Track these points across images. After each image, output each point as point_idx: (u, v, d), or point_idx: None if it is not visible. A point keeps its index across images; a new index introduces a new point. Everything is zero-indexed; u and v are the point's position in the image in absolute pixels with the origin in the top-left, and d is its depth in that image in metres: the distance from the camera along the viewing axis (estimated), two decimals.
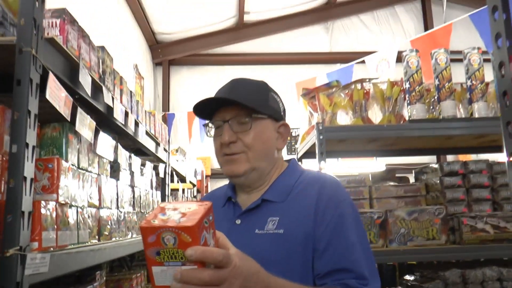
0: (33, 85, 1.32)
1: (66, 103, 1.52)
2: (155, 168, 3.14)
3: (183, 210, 0.85)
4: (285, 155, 7.01)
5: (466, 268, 2.16)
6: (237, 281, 0.90)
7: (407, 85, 2.17)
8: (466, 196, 2.20)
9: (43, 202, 1.36)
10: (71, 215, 1.59)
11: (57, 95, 1.46)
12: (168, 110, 7.11)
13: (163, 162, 3.32)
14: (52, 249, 1.40)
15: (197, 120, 6.44)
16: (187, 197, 4.61)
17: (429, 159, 6.46)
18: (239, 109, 1.30)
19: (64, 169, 1.53)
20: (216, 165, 7.05)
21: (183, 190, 4.41)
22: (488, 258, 2.24)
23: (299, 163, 1.48)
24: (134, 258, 3.36)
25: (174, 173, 3.92)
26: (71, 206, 1.60)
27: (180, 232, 0.80)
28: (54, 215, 1.43)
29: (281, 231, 1.27)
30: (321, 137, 2.08)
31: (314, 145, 2.14)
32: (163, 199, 3.34)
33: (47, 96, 1.39)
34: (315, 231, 1.25)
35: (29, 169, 1.28)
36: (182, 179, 4.48)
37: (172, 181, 3.76)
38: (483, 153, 2.66)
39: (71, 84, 1.61)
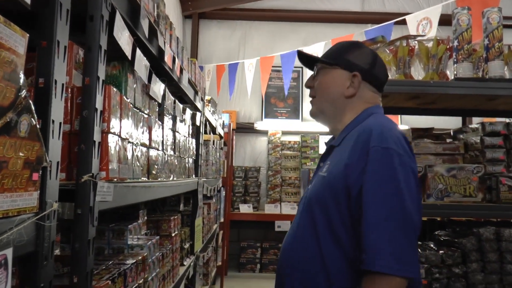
0: (104, 22, 1.37)
1: (129, 42, 1.57)
2: (193, 117, 3.20)
3: None
4: None
5: (500, 226, 2.21)
6: None
7: (456, 43, 2.16)
8: (506, 157, 2.23)
9: (110, 135, 1.43)
10: (129, 151, 1.67)
11: (121, 33, 1.51)
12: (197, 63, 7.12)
13: (199, 111, 3.38)
14: (115, 180, 1.48)
15: (226, 74, 6.46)
16: (216, 148, 4.69)
17: (454, 125, 6.41)
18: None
19: (125, 105, 1.59)
20: (241, 119, 7.11)
21: (213, 141, 4.49)
22: None
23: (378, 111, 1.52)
24: (166, 203, 3.49)
25: (207, 123, 3.99)
26: (128, 142, 1.67)
27: None
28: (117, 148, 1.51)
29: (325, 174, 1.42)
30: None
31: None
32: (197, 148, 3.42)
33: (114, 34, 1.44)
34: (346, 181, 1.31)
35: (99, 101, 1.34)
36: (213, 130, 4.56)
37: (205, 132, 3.83)
38: None
39: (132, 25, 1.65)
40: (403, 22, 4.55)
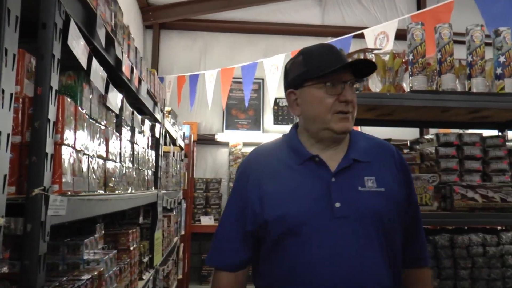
0: (57, 30, 1.33)
1: (84, 52, 1.54)
2: (152, 128, 3.15)
3: None
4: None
5: (453, 233, 2.28)
6: None
7: (411, 57, 2.23)
8: (459, 166, 2.31)
9: (64, 146, 1.38)
10: (84, 163, 1.62)
11: (76, 42, 1.47)
12: (157, 74, 7.04)
13: (159, 122, 3.34)
14: (69, 193, 1.44)
15: (187, 85, 6.41)
16: (176, 160, 4.64)
17: (412, 136, 6.59)
18: (351, 74, 1.48)
19: (80, 116, 1.55)
20: (202, 131, 7.07)
21: (174, 153, 4.43)
22: (476, 225, 2.36)
23: None
24: (125, 216, 3.41)
25: (167, 134, 3.94)
26: (84, 154, 1.63)
27: None
28: (71, 160, 1.46)
29: (383, 189, 1.45)
30: None
31: None
32: (157, 160, 3.37)
33: (68, 42, 1.40)
34: (399, 191, 1.49)
35: (52, 112, 1.30)
36: (173, 142, 4.51)
37: (165, 143, 3.78)
38: (474, 129, 2.76)
39: (88, 34, 1.61)
40: (362, 36, 4.66)
